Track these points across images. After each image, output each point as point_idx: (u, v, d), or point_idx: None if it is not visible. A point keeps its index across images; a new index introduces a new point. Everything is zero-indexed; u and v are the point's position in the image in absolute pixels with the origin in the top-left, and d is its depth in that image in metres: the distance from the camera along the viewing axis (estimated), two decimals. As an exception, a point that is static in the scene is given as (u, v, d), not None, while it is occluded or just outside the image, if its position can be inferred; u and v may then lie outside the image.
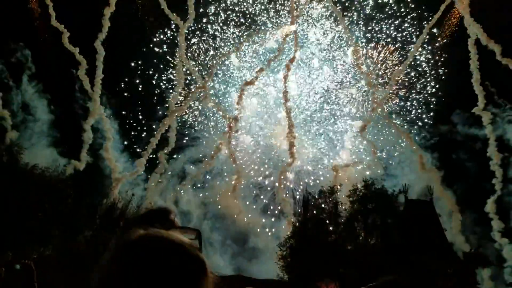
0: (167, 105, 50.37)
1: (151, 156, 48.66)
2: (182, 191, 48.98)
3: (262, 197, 50.91)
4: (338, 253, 29.74)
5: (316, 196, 35.67)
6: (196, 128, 51.91)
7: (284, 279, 32.74)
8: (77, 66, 47.97)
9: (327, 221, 32.77)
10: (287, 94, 51.00)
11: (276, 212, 49.19)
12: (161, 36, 51.25)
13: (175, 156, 50.28)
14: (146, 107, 50.58)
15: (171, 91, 50.67)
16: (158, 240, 1.10)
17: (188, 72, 51.40)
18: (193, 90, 50.99)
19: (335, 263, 29.66)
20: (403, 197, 35.82)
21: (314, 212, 34.50)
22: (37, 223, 27.63)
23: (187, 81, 51.54)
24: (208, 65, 52.16)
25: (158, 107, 51.02)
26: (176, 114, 49.99)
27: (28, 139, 42.64)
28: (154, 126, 49.82)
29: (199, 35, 52.23)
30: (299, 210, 36.92)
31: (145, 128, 49.88)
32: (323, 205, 33.87)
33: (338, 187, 34.75)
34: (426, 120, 50.34)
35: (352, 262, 29.11)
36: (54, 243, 29.14)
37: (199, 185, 50.20)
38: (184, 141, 51.03)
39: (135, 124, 49.84)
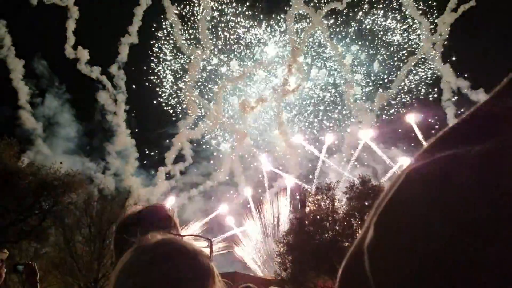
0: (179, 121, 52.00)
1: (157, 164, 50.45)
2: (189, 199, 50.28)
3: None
4: (335, 249, 29.80)
5: (313, 193, 35.70)
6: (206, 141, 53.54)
7: (282, 276, 32.81)
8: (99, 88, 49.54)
9: (324, 218, 32.82)
10: (283, 126, 51.95)
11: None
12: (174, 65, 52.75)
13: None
14: (160, 126, 52.37)
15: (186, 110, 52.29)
16: (174, 246, 1.15)
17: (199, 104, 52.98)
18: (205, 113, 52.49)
19: (332, 260, 29.74)
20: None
21: (311, 209, 34.57)
22: (34, 220, 27.55)
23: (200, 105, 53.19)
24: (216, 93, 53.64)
25: (171, 130, 52.71)
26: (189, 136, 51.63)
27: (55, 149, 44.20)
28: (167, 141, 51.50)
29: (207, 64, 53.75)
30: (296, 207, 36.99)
31: (159, 144, 51.80)
32: (320, 202, 33.92)
33: (335, 184, 34.83)
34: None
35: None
36: (51, 241, 29.08)
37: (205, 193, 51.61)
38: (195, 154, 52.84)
39: (150, 141, 51.74)
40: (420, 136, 49.20)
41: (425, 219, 0.48)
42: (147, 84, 53.99)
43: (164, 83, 54.01)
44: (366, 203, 32.44)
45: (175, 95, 54.69)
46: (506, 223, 0.44)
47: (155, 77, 54.43)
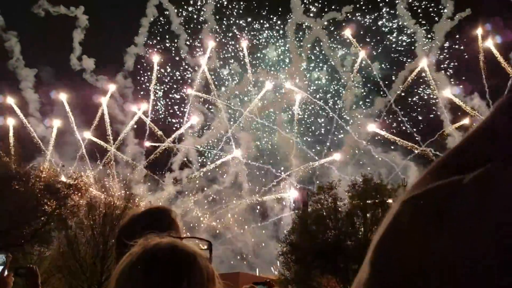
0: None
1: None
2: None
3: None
4: (338, 248, 29.75)
5: (316, 192, 35.62)
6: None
7: (285, 275, 32.75)
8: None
9: (327, 217, 32.75)
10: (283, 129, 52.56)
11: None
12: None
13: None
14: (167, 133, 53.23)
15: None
16: (173, 249, 1.16)
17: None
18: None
19: (335, 258, 29.69)
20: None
21: (314, 208, 34.50)
22: (37, 223, 27.58)
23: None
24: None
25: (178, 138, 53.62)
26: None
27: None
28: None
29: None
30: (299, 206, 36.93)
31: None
32: (322, 201, 33.84)
33: (337, 182, 34.72)
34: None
35: (352, 257, 29.13)
36: (55, 244, 29.11)
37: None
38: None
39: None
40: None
41: (421, 252, 0.44)
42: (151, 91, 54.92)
43: (168, 92, 54.87)
44: (369, 201, 32.42)
45: (179, 102, 55.67)
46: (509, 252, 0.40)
47: (160, 85, 55.38)
